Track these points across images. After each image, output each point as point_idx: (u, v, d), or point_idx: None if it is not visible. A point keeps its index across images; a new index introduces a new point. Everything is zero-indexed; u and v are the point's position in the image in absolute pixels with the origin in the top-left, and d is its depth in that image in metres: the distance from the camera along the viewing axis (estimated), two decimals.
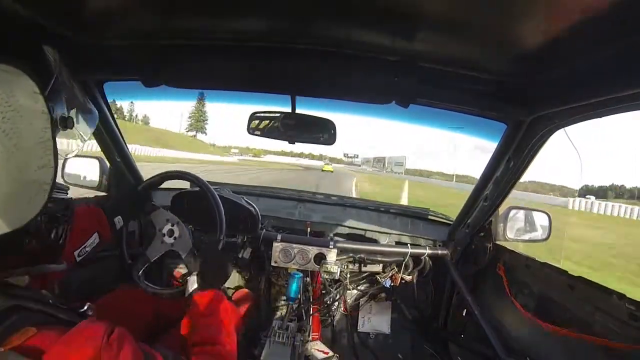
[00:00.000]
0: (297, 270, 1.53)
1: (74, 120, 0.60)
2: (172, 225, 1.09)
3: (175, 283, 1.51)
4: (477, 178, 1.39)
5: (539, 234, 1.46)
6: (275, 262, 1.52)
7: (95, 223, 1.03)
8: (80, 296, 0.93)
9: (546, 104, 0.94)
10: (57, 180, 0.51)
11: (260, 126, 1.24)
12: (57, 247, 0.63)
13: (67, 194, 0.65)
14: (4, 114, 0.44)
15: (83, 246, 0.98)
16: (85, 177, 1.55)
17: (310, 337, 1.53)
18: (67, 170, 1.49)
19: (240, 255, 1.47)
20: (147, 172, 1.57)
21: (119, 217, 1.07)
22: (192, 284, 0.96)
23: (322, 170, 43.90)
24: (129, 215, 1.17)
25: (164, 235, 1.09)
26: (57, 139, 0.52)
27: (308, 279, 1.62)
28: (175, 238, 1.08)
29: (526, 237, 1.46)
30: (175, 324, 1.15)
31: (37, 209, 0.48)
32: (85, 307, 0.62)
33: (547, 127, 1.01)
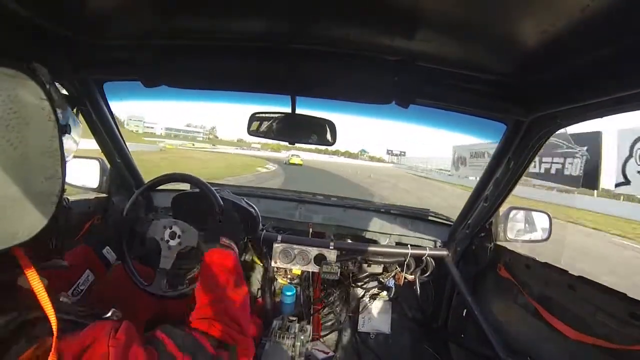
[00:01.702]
0: (292, 282, 1.54)
1: (71, 127, 0.58)
2: (171, 228, 1.09)
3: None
4: None
5: (539, 234, 1.46)
6: (276, 262, 1.52)
7: (82, 261, 0.99)
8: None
9: (546, 104, 0.93)
10: None
11: (261, 127, 1.24)
12: (58, 245, 0.61)
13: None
14: (9, 122, 0.41)
15: (76, 284, 0.96)
16: (85, 179, 1.55)
17: (311, 337, 1.53)
18: (67, 171, 1.48)
19: (242, 259, 1.47)
20: None
21: (108, 247, 1.01)
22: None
23: (290, 164, 30.64)
24: (121, 243, 1.10)
25: (168, 241, 1.08)
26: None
27: (309, 275, 1.63)
28: (179, 236, 1.08)
29: (526, 237, 1.47)
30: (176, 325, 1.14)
31: (44, 221, 0.46)
32: (110, 313, 0.60)
33: (547, 127, 1.01)
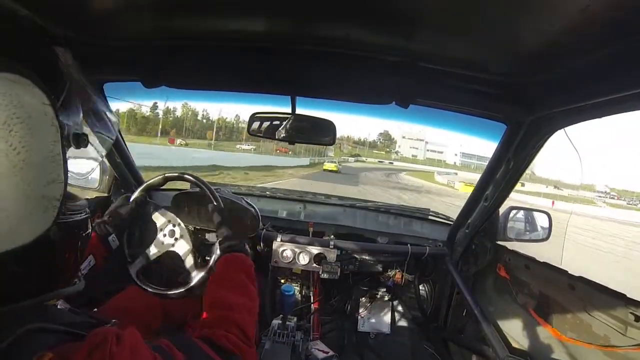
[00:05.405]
0: (292, 282, 1.54)
1: (87, 137, 0.55)
2: (174, 226, 1.09)
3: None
4: None
5: (539, 233, 1.46)
6: (276, 261, 1.52)
7: (88, 246, 1.00)
8: (87, 296, 0.91)
9: (546, 104, 0.93)
10: None
11: (261, 127, 1.24)
12: (75, 266, 0.60)
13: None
14: (12, 126, 0.41)
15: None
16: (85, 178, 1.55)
17: (311, 336, 1.53)
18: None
19: None
20: None
21: (113, 235, 1.01)
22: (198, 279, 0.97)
23: (324, 170, 25.99)
24: (125, 228, 1.11)
25: (164, 235, 1.09)
26: (70, 159, 0.49)
27: (308, 275, 1.63)
28: (176, 239, 1.08)
29: (526, 237, 1.47)
30: (184, 325, 1.14)
31: (46, 225, 0.46)
32: (112, 323, 0.59)
33: (547, 128, 1.01)
